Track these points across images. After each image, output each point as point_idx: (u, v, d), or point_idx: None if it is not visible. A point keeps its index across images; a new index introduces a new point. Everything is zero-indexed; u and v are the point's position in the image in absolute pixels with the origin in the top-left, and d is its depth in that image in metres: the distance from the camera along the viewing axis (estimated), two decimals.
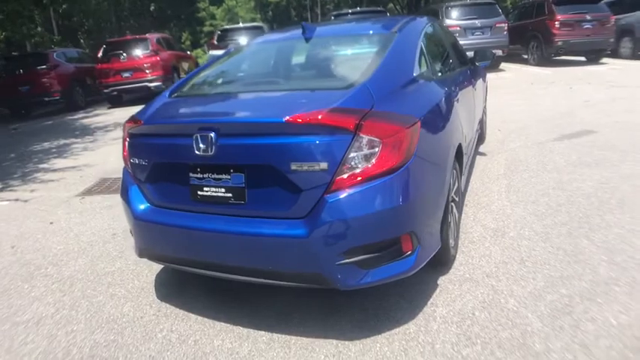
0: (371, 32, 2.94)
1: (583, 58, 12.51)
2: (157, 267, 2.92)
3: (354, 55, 2.87)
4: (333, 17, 15.00)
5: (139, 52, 11.95)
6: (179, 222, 2.13)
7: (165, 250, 2.27)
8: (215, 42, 12.88)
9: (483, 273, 2.50)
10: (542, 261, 2.57)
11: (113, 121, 9.63)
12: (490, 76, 9.30)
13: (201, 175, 2.07)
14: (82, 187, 5.00)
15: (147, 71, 11.71)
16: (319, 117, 1.83)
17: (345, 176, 1.82)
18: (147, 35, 12.79)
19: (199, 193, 2.09)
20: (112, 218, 3.94)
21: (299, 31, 2.92)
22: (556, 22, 11.57)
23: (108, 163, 6.02)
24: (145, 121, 2.27)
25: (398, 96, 2.13)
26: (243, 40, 12.25)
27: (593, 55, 12.31)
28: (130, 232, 2.48)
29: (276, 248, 1.92)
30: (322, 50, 2.98)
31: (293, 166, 1.84)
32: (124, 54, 11.78)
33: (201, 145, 1.98)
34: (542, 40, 12.07)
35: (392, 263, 1.90)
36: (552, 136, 5.15)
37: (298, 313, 2.30)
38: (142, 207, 2.26)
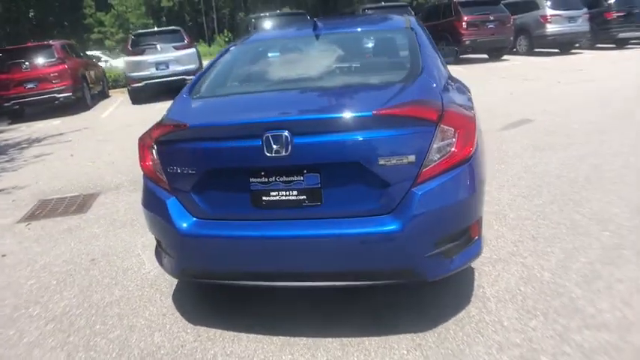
0: (388, 28, 2.98)
1: (486, 56, 13.82)
2: (168, 289, 2.67)
3: (384, 50, 2.91)
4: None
5: (42, 60, 10.72)
6: (241, 233, 1.95)
7: (219, 266, 2.06)
8: (130, 47, 12.00)
9: (508, 253, 2.67)
10: (551, 236, 2.81)
11: (25, 137, 8.53)
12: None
13: (267, 179, 1.92)
14: (20, 212, 4.36)
15: (54, 81, 10.55)
16: (407, 109, 1.83)
17: (430, 167, 1.82)
18: (50, 42, 11.52)
19: (264, 198, 1.93)
20: (80, 242, 3.51)
21: (308, 28, 2.87)
22: (463, 23, 12.67)
23: (41, 182, 5.33)
24: (191, 124, 2.04)
25: (447, 88, 2.19)
26: (160, 45, 11.66)
27: (496, 53, 13.68)
28: (162, 251, 2.23)
29: (364, 247, 1.84)
30: (346, 46, 2.86)
31: (381, 161, 1.79)
32: (27, 63, 10.48)
33: (273, 146, 1.83)
34: (451, 40, 13.11)
35: (467, 249, 1.96)
36: (497, 126, 5.63)
37: (346, 313, 2.26)
38: (187, 221, 2.02)
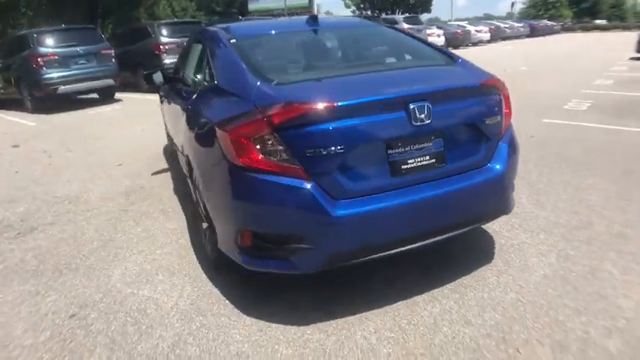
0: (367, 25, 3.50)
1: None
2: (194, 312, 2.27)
3: (397, 41, 3.19)
4: None
5: None
6: (387, 203, 2.01)
7: (371, 240, 2.05)
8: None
9: (542, 223, 3.04)
10: (571, 210, 3.23)
11: None
12: (116, 107, 9.80)
13: (403, 149, 2.07)
14: None
15: None
16: (493, 81, 2.36)
17: (504, 124, 2.37)
18: None
19: (403, 167, 2.07)
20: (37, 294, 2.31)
21: (308, 23, 3.00)
22: (161, 46, 12.25)
23: None
24: (339, 103, 1.94)
25: None
26: None
27: None
28: (287, 248, 2.02)
29: (482, 193, 2.26)
30: (366, 37, 3.25)
31: (487, 121, 2.25)
32: None
33: (418, 116, 2.01)
34: (148, 65, 12.37)
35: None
36: None
37: (401, 282, 2.45)
38: (334, 203, 1.95)
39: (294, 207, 1.95)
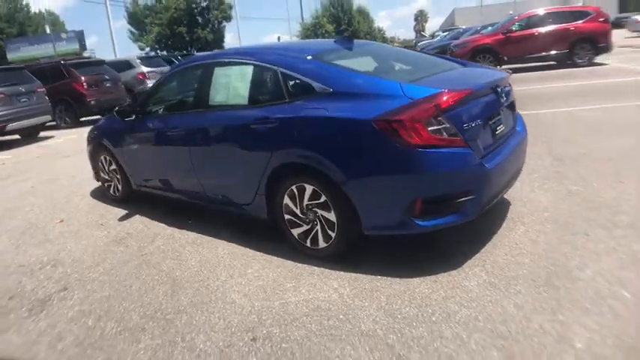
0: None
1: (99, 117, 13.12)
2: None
3: (411, 53, 4.13)
4: None
5: None
6: (502, 157, 2.78)
7: (497, 187, 2.78)
8: None
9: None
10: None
11: None
12: (47, 143, 9.38)
13: (494, 120, 2.88)
14: None
15: None
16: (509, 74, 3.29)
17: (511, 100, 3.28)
18: None
19: (497, 131, 2.88)
20: None
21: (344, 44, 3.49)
22: (84, 83, 11.53)
23: None
24: (474, 88, 2.74)
25: None
26: None
27: None
28: (456, 203, 2.56)
29: (523, 148, 3.28)
30: (395, 52, 4.10)
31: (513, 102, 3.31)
32: None
33: (504, 97, 2.99)
34: (72, 102, 11.63)
35: None
36: None
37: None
38: (481, 161, 2.59)
39: (464, 168, 2.53)
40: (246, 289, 2.74)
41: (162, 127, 3.81)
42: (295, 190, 2.90)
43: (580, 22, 11.79)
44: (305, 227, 2.95)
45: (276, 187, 3.01)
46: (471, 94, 2.67)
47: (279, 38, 56.22)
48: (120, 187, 4.57)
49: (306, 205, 2.89)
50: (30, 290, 3.04)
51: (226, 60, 3.50)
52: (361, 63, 3.24)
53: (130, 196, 4.55)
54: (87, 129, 10.41)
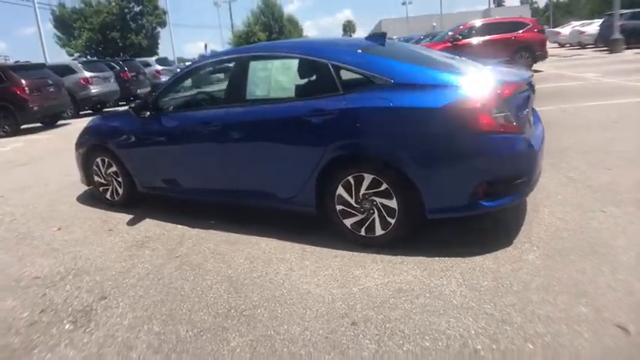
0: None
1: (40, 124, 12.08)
2: None
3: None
4: None
5: None
6: (538, 143, 3.03)
7: (539, 169, 3.06)
8: None
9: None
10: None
11: None
12: None
13: (529, 110, 3.13)
14: None
15: None
16: None
17: None
18: None
19: (530, 121, 3.14)
20: None
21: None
22: (25, 88, 10.54)
23: None
24: (523, 81, 3.02)
25: None
26: None
27: (55, 119, 12.29)
28: (516, 185, 2.75)
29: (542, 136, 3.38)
30: (419, 49, 4.08)
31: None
32: None
33: (533, 92, 3.32)
34: (12, 108, 10.57)
35: None
36: None
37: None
38: (532, 145, 2.84)
39: (520, 152, 2.73)
40: (314, 279, 2.69)
41: (185, 125, 3.62)
42: (352, 180, 2.89)
43: (520, 31, 12.85)
44: (359, 217, 2.96)
45: (329, 178, 2.98)
46: (522, 87, 2.92)
47: (205, 46, 55.17)
48: (120, 191, 4.25)
49: (363, 194, 2.89)
50: (62, 302, 2.74)
51: (265, 54, 3.43)
52: (404, 57, 3.32)
53: (131, 200, 4.25)
54: (33, 137, 9.95)
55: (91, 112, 14.25)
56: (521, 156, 2.76)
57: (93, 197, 4.68)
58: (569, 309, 2.18)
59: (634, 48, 17.68)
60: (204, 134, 3.42)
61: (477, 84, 2.74)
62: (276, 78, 3.24)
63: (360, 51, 3.15)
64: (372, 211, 2.91)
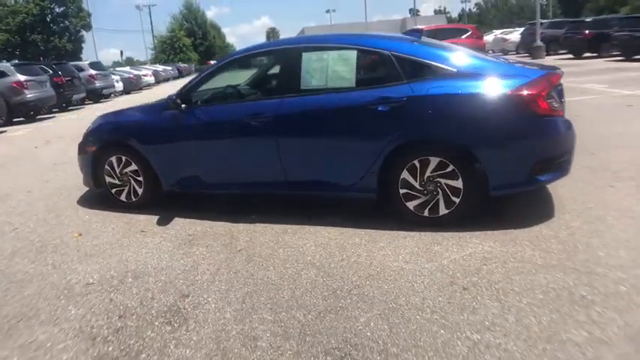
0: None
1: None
2: None
3: None
4: None
5: None
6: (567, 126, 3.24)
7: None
8: None
9: None
10: None
11: None
12: None
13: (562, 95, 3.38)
14: None
15: None
16: None
17: None
18: None
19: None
20: None
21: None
22: None
23: None
24: (560, 73, 3.29)
25: None
26: None
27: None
28: (558, 163, 3.07)
29: None
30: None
31: None
32: None
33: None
34: None
35: None
36: None
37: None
38: (572, 127, 3.14)
39: (565, 133, 3.05)
40: (400, 257, 2.81)
41: (229, 117, 3.54)
42: (417, 164, 3.04)
43: (463, 36, 13.85)
44: (422, 199, 3.12)
45: (394, 163, 3.10)
46: (561, 78, 3.27)
47: (122, 53, 52.55)
48: (140, 191, 4.01)
49: (428, 176, 3.05)
50: (138, 305, 2.57)
51: (319, 45, 3.46)
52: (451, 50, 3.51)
53: (153, 201, 4.04)
54: None
55: (23, 119, 13.01)
56: (566, 136, 3.10)
57: (95, 200, 4.39)
58: (635, 259, 2.54)
59: (553, 54, 19.85)
60: (254, 126, 3.37)
61: (531, 74, 3.05)
62: (333, 68, 3.28)
63: (415, 43, 3.32)
64: (435, 193, 3.08)
